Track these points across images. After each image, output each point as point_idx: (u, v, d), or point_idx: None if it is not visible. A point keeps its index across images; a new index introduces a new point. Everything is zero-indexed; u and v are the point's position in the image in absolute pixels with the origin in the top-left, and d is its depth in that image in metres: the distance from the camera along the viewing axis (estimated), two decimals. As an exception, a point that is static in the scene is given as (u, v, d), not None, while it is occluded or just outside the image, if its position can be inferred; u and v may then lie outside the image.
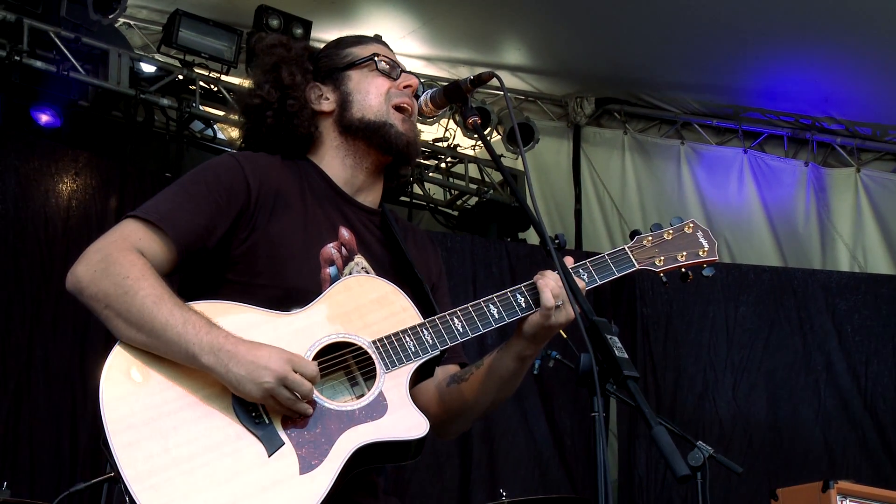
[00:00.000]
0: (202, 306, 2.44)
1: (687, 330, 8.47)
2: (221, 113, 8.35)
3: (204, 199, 2.55)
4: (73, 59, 7.43)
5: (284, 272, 2.57)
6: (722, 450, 7.52)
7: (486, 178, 9.49)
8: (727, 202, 9.58)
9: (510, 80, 9.63)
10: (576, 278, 2.50)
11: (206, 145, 8.40)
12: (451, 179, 9.50)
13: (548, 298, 2.53)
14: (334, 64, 2.87)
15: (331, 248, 2.66)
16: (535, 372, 5.44)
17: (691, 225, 2.82)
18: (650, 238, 2.77)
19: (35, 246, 6.68)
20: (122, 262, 2.40)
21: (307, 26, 8.29)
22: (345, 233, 2.72)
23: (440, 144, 9.38)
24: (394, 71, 2.85)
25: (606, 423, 2.07)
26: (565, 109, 9.92)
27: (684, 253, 2.78)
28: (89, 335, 6.38)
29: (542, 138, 9.31)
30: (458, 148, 9.45)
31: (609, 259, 2.71)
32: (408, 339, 2.52)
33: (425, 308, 2.66)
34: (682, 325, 8.48)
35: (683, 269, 2.77)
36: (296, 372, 2.33)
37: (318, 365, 2.42)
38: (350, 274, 2.64)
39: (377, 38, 2.99)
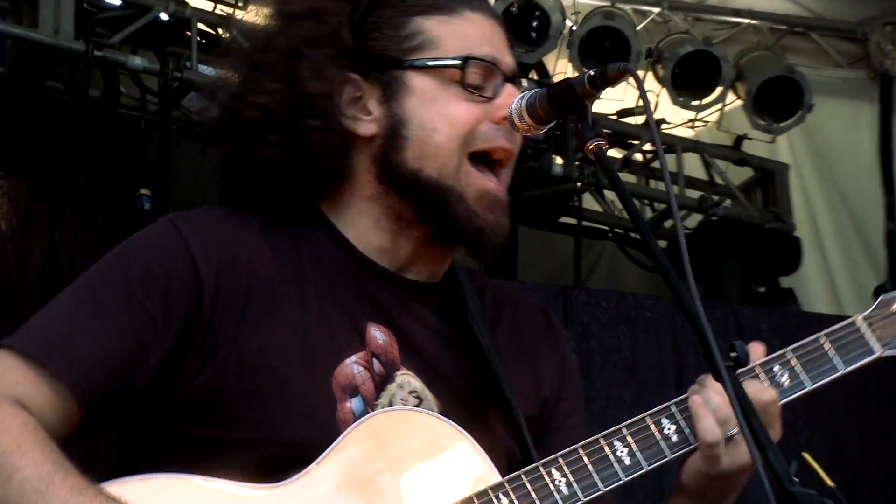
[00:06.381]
0: (127, 487, 1.87)
1: None
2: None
3: (122, 309, 1.94)
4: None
5: (274, 418, 1.95)
6: None
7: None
8: None
9: (759, 1, 7.41)
10: (765, 386, 1.97)
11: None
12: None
13: (707, 429, 1.92)
14: (388, 49, 2.05)
15: (352, 367, 2.02)
16: None
17: None
18: None
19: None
20: None
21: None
22: (377, 334, 2.07)
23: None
24: (490, 85, 2.05)
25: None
26: (863, 47, 7.59)
27: None
28: None
29: (820, 101, 7.10)
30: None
31: (830, 342, 2.03)
32: None
33: (521, 448, 2.03)
34: None
35: None
36: None
37: None
38: (391, 406, 2.01)
39: (477, 4, 2.11)
